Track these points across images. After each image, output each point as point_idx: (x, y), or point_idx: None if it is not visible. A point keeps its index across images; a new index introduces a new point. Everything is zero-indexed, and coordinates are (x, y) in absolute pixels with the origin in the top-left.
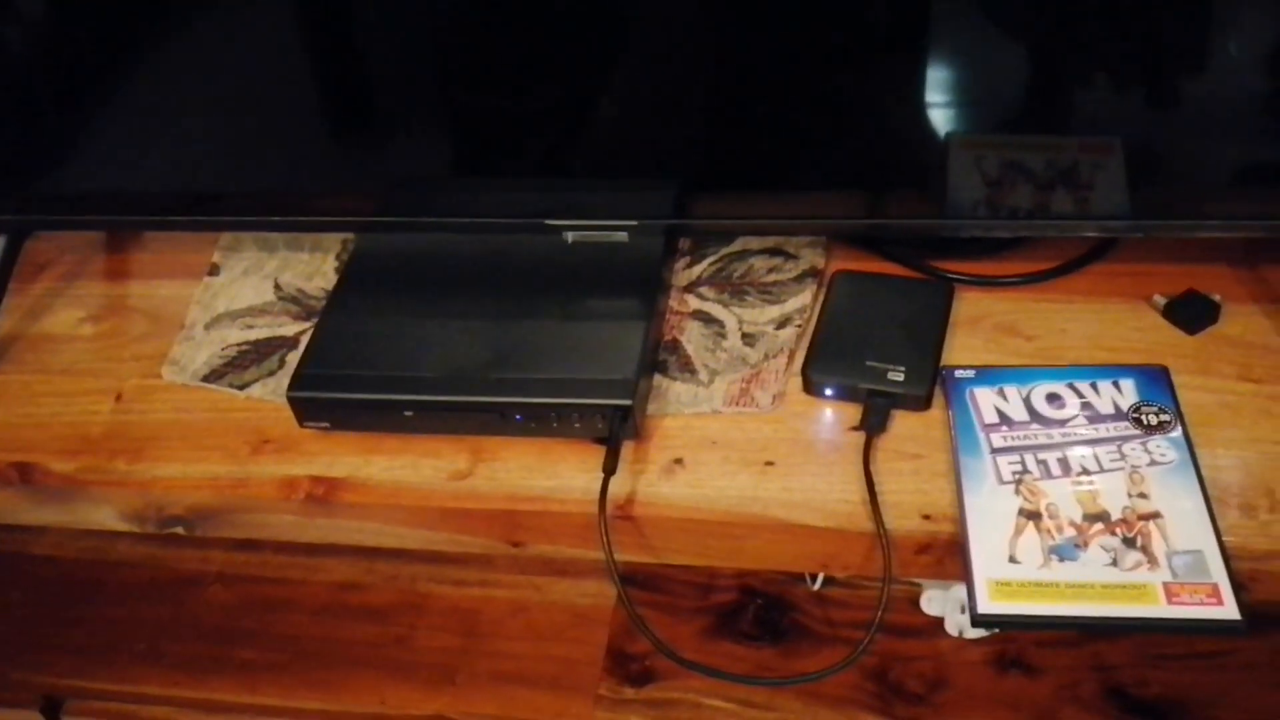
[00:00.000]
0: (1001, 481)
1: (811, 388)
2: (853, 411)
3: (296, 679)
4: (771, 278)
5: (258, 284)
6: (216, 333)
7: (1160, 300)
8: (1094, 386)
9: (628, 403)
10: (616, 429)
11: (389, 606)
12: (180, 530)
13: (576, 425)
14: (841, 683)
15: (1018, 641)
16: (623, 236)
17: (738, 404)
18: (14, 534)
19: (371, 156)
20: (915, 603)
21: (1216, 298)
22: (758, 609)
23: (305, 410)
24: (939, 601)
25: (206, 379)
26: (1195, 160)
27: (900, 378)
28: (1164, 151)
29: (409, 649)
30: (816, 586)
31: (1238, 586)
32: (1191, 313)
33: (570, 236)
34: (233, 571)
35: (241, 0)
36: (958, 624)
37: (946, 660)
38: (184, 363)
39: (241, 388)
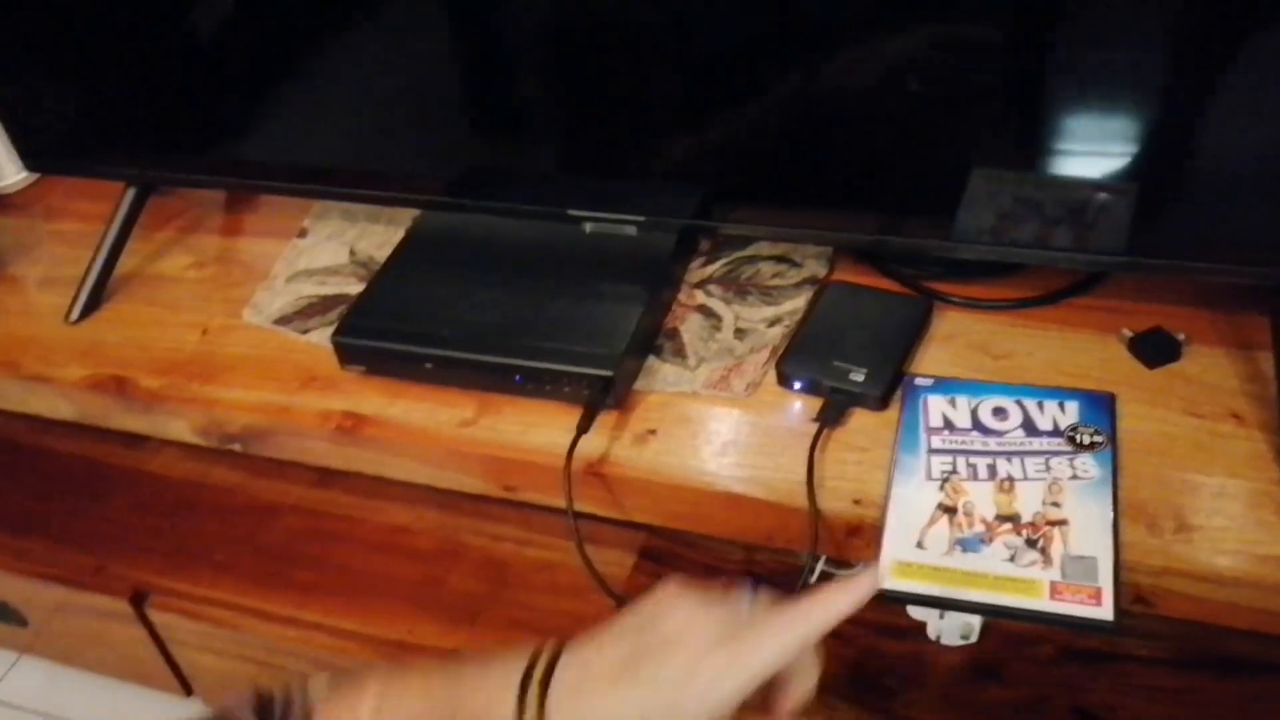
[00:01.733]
0: (929, 478)
1: (783, 380)
2: (818, 405)
3: (341, 602)
4: (774, 282)
5: (336, 249)
6: (294, 285)
7: (1127, 334)
8: (1040, 405)
9: (609, 374)
10: (596, 395)
11: (431, 550)
12: (237, 447)
13: (566, 390)
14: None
15: (997, 653)
16: (632, 230)
17: (715, 388)
18: (132, 450)
19: (436, 148)
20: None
21: (1181, 337)
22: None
23: (346, 354)
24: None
25: (277, 322)
26: (1198, 208)
27: (860, 378)
28: (1169, 199)
29: (442, 589)
30: (814, 580)
31: (1121, 594)
32: (1154, 348)
33: (588, 226)
34: (306, 505)
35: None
36: (937, 629)
37: (924, 661)
38: (262, 307)
39: (304, 332)
